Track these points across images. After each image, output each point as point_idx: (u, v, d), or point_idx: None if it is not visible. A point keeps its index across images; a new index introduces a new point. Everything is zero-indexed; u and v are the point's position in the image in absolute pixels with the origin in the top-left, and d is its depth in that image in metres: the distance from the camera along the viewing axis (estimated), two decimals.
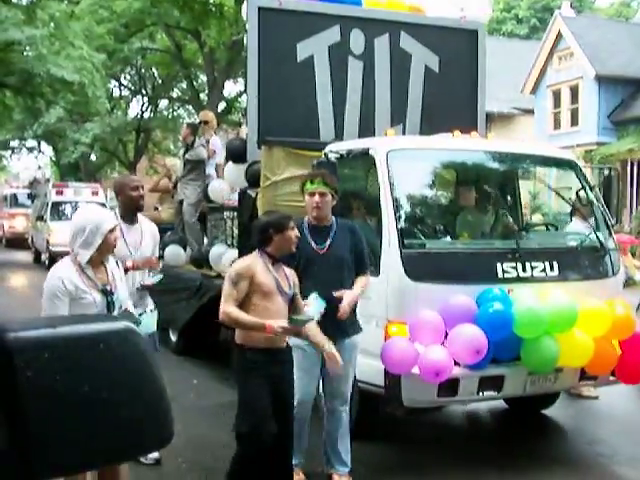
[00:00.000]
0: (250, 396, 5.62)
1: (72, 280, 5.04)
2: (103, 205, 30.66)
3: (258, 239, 5.72)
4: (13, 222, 36.03)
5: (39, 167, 58.18)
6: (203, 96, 36.15)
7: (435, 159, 7.78)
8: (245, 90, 36.21)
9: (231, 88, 39.24)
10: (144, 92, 42.14)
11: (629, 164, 30.21)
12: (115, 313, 5.20)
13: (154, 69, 40.64)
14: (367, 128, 8.94)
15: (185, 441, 7.26)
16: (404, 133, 9.08)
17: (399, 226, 6.93)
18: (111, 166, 48.82)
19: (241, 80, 38.63)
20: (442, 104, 9.25)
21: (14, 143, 48.89)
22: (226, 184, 10.48)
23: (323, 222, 6.37)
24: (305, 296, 5.88)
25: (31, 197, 36.55)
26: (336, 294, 6.06)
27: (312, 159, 8.00)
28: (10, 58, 29.35)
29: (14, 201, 38.20)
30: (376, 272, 7.02)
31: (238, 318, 5.51)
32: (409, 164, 7.49)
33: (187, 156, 11.51)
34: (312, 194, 6.28)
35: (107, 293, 5.17)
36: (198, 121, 12.15)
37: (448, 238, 7.45)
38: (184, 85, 39.32)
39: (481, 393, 6.93)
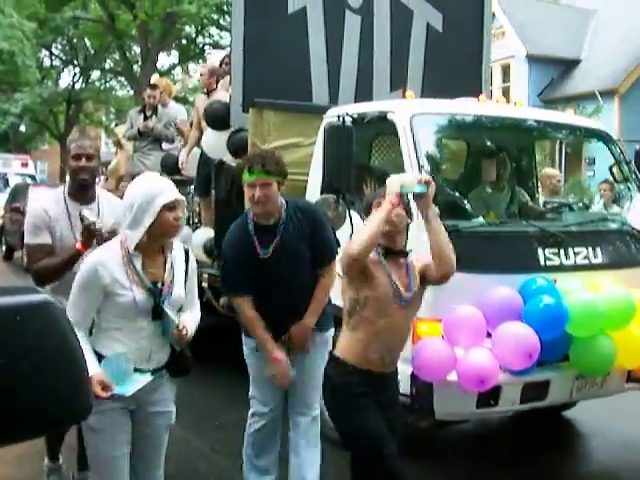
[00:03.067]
0: (357, 417, 4.09)
1: (110, 269, 3.63)
2: (33, 178, 28.85)
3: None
4: None
5: None
6: (136, 68, 34.09)
7: (464, 126, 6.36)
8: (181, 57, 34.24)
9: (164, 60, 37.23)
10: (76, 62, 39.67)
11: (557, 142, 29.38)
12: (160, 322, 3.75)
13: (86, 39, 38.22)
14: (364, 92, 7.49)
15: None
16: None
17: None
18: (41, 137, 46.35)
19: (175, 52, 36.84)
20: (445, 68, 7.83)
21: None
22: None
23: (270, 218, 4.76)
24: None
25: None
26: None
27: (309, 125, 6.63)
28: None
29: None
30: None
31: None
32: (435, 131, 6.10)
33: (156, 126, 9.79)
34: (252, 185, 4.60)
35: (155, 294, 3.69)
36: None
37: (481, 218, 6.06)
38: (117, 56, 37.02)
39: (524, 402, 5.63)
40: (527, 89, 31.06)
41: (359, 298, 3.99)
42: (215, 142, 7.54)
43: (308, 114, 6.84)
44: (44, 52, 38.07)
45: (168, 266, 3.79)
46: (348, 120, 5.68)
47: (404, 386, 5.51)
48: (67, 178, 4.94)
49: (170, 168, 9.25)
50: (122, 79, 38.51)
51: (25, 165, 29.45)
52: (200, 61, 35.92)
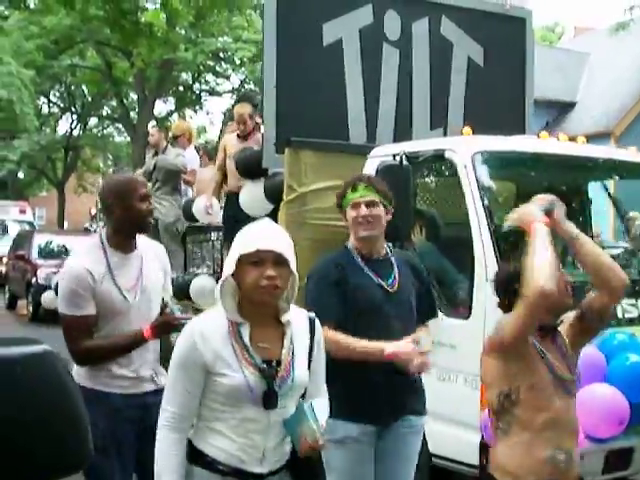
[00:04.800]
0: None
1: (212, 343, 2.78)
2: (31, 224, 28.11)
3: (502, 297, 3.41)
4: None
5: None
6: (133, 114, 33.56)
7: (527, 165, 5.67)
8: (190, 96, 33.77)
9: (161, 107, 36.74)
10: (73, 110, 39.18)
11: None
12: (279, 412, 2.80)
13: (84, 86, 37.73)
14: (403, 129, 6.80)
15: None
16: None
17: (497, 252, 4.84)
18: (39, 184, 45.70)
19: (171, 99, 36.40)
20: (486, 103, 7.15)
21: None
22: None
23: (376, 250, 3.99)
24: None
25: None
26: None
27: (347, 166, 5.97)
28: None
29: None
30: (464, 313, 4.97)
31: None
32: (497, 170, 5.42)
33: (158, 160, 9.06)
34: (356, 205, 3.90)
35: (269, 377, 2.78)
36: (171, 135, 9.61)
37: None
38: (114, 103, 36.53)
39: (606, 472, 4.92)
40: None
41: (511, 390, 3.13)
42: (254, 197, 6.69)
43: (346, 154, 6.16)
44: (42, 99, 37.63)
45: (287, 341, 2.86)
46: (403, 159, 5.03)
47: (471, 456, 4.84)
48: (109, 221, 3.96)
49: (191, 214, 8.48)
50: (119, 126, 38.05)
51: (23, 212, 28.84)
52: (197, 107, 35.56)
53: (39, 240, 18.81)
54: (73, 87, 37.90)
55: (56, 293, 11.41)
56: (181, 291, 7.76)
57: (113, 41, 30.06)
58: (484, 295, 4.82)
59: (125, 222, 3.80)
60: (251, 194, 6.69)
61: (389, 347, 3.61)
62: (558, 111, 30.66)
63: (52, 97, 39.35)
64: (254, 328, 2.82)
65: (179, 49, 28.54)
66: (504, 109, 7.32)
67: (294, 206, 6.07)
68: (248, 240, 2.76)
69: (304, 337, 2.93)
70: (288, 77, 6.46)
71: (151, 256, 3.93)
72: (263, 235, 2.78)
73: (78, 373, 3.77)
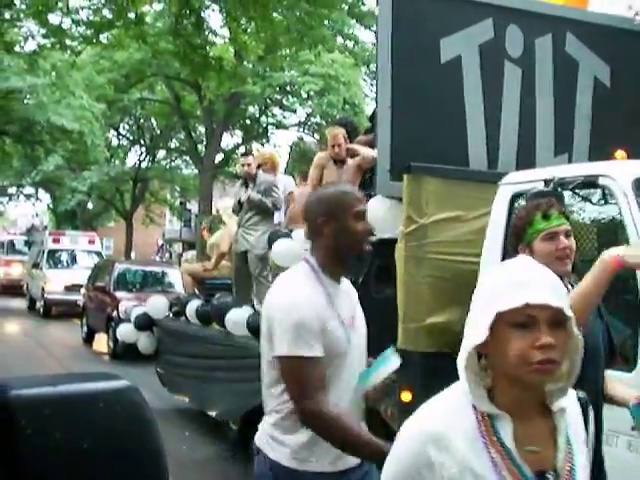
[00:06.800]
0: None
1: (457, 450, 1.73)
2: (99, 254, 27.84)
3: None
4: (9, 269, 32.74)
5: (36, 214, 54.81)
6: (201, 147, 33.42)
7: None
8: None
9: (228, 140, 36.55)
10: (142, 142, 39.18)
11: None
12: None
13: (153, 119, 37.81)
14: (526, 155, 6.06)
15: None
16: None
17: None
18: (107, 215, 45.80)
19: (238, 132, 36.16)
20: (613, 129, 6.37)
21: (11, 190, 45.30)
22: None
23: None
24: None
25: (28, 244, 33.58)
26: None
27: (470, 195, 5.29)
28: (11, 106, 28.44)
29: (11, 248, 34.92)
30: (628, 365, 4.19)
31: None
32: None
33: (249, 199, 8.39)
34: (553, 235, 3.23)
35: None
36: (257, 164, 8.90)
37: None
38: (182, 136, 36.44)
39: None
40: None
41: None
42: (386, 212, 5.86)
43: (471, 182, 5.46)
44: (112, 132, 37.74)
45: (561, 439, 1.80)
46: (544, 186, 4.32)
47: None
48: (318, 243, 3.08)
49: None
50: (187, 158, 37.97)
51: (92, 242, 28.81)
52: (264, 140, 35.25)
53: (120, 271, 17.76)
54: (142, 120, 38.03)
55: (135, 326, 10.78)
56: None
57: (182, 75, 29.99)
58: None
59: (336, 245, 2.99)
60: (385, 209, 5.80)
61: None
62: None
63: (122, 130, 39.43)
64: (516, 422, 1.79)
65: (247, 83, 28.29)
66: (633, 134, 6.51)
67: (414, 239, 5.36)
68: (509, 289, 1.75)
69: (580, 431, 1.91)
70: (404, 97, 5.77)
71: (353, 293, 3.15)
72: (531, 282, 1.75)
73: (260, 438, 3.00)
